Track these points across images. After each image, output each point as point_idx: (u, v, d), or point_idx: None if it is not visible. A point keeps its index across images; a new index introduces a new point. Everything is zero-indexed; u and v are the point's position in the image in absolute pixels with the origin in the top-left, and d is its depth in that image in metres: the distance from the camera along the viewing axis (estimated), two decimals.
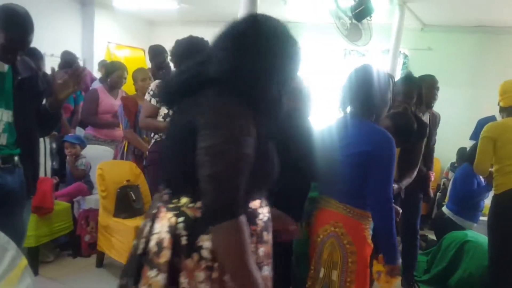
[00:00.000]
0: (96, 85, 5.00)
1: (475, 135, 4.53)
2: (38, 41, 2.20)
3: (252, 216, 1.34)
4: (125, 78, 4.54)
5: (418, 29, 6.72)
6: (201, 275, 1.25)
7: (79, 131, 4.82)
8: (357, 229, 1.99)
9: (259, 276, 1.23)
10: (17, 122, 2.19)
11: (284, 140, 1.46)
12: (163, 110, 3.09)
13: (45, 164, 3.87)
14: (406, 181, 3.06)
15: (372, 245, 2.05)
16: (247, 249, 1.20)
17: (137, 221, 3.44)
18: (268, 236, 1.44)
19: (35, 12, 2.17)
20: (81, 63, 6.18)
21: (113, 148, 4.35)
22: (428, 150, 3.57)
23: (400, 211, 2.54)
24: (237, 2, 3.69)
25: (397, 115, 2.70)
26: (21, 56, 2.19)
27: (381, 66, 5.67)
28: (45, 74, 3.33)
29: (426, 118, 3.62)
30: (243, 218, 1.20)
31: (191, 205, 1.29)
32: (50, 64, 5.04)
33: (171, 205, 1.32)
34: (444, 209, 4.52)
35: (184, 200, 1.30)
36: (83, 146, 4.13)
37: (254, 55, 1.27)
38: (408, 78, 3.40)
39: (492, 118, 4.32)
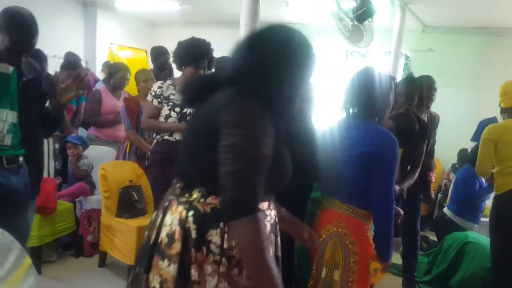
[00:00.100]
0: (100, 86, 5.02)
1: (476, 137, 4.54)
2: (41, 42, 2.21)
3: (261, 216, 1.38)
4: (128, 79, 4.56)
5: (420, 31, 6.74)
6: (208, 268, 1.30)
7: (81, 132, 4.84)
8: (359, 229, 2.01)
9: (276, 270, 1.27)
10: (21, 123, 2.21)
11: (287, 141, 1.48)
12: (165, 111, 3.11)
13: (48, 165, 3.89)
14: (408, 183, 3.07)
15: (374, 245, 2.06)
16: (265, 245, 1.24)
17: (140, 221, 3.46)
18: (275, 239, 1.48)
19: (38, 13, 2.18)
20: (83, 64, 6.20)
21: (116, 148, 4.36)
22: (428, 151, 3.58)
23: (401, 212, 2.55)
24: (239, 3, 3.70)
25: (399, 116, 2.71)
26: (25, 58, 2.21)
27: (383, 67, 5.71)
28: (48, 75, 3.35)
29: (424, 118, 3.63)
30: (261, 215, 1.25)
31: (202, 200, 1.34)
32: (53, 65, 5.08)
33: (183, 199, 1.37)
34: (445, 210, 4.54)
35: (195, 194, 1.35)
36: (85, 146, 4.16)
37: (270, 61, 1.35)
38: (410, 79, 3.41)
39: (493, 120, 4.33)
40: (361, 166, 1.98)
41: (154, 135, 3.31)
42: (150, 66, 5.63)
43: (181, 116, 3.10)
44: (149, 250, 1.39)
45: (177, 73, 3.34)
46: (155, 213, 1.48)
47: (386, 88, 2.14)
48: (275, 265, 1.28)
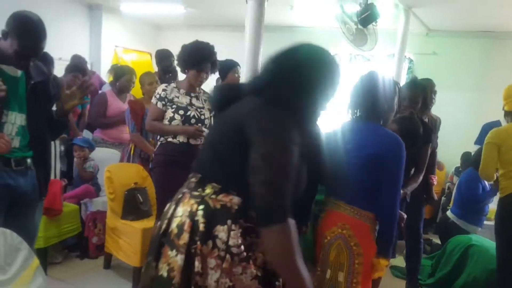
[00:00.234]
0: (106, 88, 5.05)
1: (480, 140, 4.55)
2: (47, 45, 2.23)
3: None
4: (134, 82, 4.58)
5: (423, 34, 6.75)
6: (212, 262, 1.35)
7: (86, 134, 4.86)
8: (364, 231, 2.02)
9: (307, 275, 1.32)
10: (30, 125, 2.24)
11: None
12: (169, 114, 3.13)
13: (55, 167, 3.92)
14: (412, 186, 3.08)
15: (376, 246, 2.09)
16: (296, 251, 1.29)
17: (145, 223, 3.48)
18: None
19: (44, 16, 2.19)
20: (89, 67, 6.23)
21: (121, 151, 4.39)
22: (430, 154, 3.59)
23: (405, 216, 2.56)
24: (243, 7, 3.73)
25: (403, 120, 2.73)
26: (33, 61, 2.24)
27: (386, 70, 5.72)
28: (55, 77, 3.37)
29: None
30: (291, 221, 1.29)
31: (213, 196, 1.40)
32: (58, 67, 5.10)
33: (196, 193, 1.43)
34: (449, 213, 4.54)
35: (208, 190, 1.41)
36: (91, 149, 4.19)
37: (301, 76, 1.44)
38: (413, 83, 3.43)
39: (497, 123, 4.34)
40: (367, 168, 2.00)
41: (158, 137, 3.33)
42: (155, 68, 5.66)
43: (185, 119, 3.12)
44: (158, 239, 1.45)
45: (181, 76, 3.36)
46: (168, 205, 1.54)
47: (390, 92, 2.17)
48: (306, 271, 1.33)
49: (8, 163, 2.17)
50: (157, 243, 1.45)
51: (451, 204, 4.82)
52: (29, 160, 2.26)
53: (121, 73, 4.58)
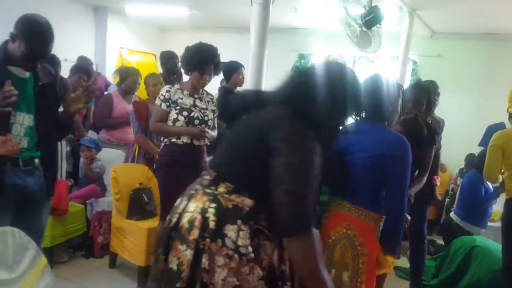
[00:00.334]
0: (113, 89, 5.08)
1: (484, 142, 4.56)
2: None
3: None
4: (139, 84, 4.60)
5: (428, 36, 6.75)
6: (220, 260, 1.37)
7: (91, 135, 4.88)
8: (368, 231, 2.04)
9: (331, 283, 1.38)
10: (38, 126, 2.27)
11: None
12: (173, 115, 3.15)
13: (61, 167, 3.95)
14: (416, 188, 3.08)
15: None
16: (320, 260, 1.35)
17: (149, 223, 3.51)
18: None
19: (49, 18, 2.21)
20: (94, 68, 6.26)
21: (126, 151, 4.42)
22: (434, 156, 3.60)
23: (409, 218, 2.58)
24: (247, 9, 3.74)
25: (407, 121, 2.75)
26: (41, 63, 2.27)
27: (391, 72, 5.73)
28: (62, 78, 3.41)
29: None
30: (315, 231, 1.34)
31: (226, 195, 1.43)
32: (64, 69, 5.13)
33: (209, 191, 1.46)
34: (452, 215, 4.54)
35: (221, 189, 1.44)
36: (98, 149, 4.23)
37: (326, 91, 1.49)
38: (418, 85, 3.45)
39: (501, 125, 4.35)
40: (372, 168, 2.02)
41: (162, 138, 3.35)
42: (159, 70, 5.69)
43: (189, 120, 3.15)
44: (168, 233, 1.48)
45: (186, 78, 3.39)
46: (179, 199, 1.56)
47: (394, 94, 2.19)
48: (328, 276, 1.38)
49: (16, 163, 2.19)
50: (166, 236, 1.48)
51: (455, 206, 4.82)
52: (37, 161, 2.29)
53: (126, 74, 4.61)
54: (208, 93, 3.37)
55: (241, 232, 1.38)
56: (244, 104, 1.66)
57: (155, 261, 1.52)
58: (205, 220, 1.40)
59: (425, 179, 3.17)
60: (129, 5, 6.97)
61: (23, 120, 2.22)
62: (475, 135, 5.13)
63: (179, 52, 3.34)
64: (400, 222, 2.04)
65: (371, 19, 4.63)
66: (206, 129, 3.17)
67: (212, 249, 1.37)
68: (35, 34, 2.12)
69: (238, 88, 4.67)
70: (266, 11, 3.48)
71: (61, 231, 3.63)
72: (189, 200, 1.50)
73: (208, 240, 1.38)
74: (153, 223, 3.49)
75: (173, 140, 3.18)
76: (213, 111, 3.32)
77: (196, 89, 3.24)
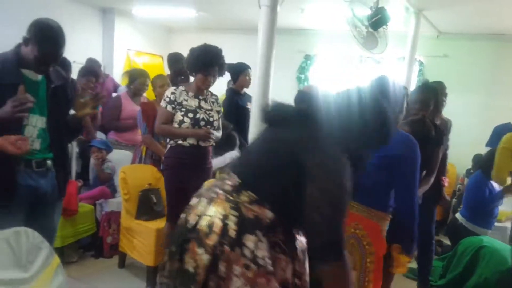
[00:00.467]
0: (122, 91, 5.12)
1: (491, 142, 4.56)
2: None
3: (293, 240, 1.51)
4: (147, 85, 4.63)
5: (434, 37, 6.73)
6: (237, 269, 1.37)
7: (100, 136, 4.92)
8: (376, 230, 2.06)
9: None
10: (50, 128, 2.31)
11: None
12: (178, 117, 3.17)
13: (71, 168, 4.00)
14: (423, 188, 3.10)
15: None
16: (351, 283, 1.39)
17: (158, 223, 3.54)
18: (305, 266, 1.57)
19: (57, 20, 2.25)
20: (102, 69, 6.30)
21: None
22: (441, 156, 3.61)
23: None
24: (255, 10, 3.75)
25: (414, 122, 2.76)
26: (53, 67, 2.31)
27: (397, 73, 5.72)
28: (73, 80, 3.45)
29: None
30: (347, 256, 1.38)
31: (247, 204, 1.42)
32: (72, 70, 5.18)
33: (231, 197, 1.45)
34: (458, 215, 4.53)
35: (243, 197, 1.44)
36: (109, 150, 4.27)
37: (362, 122, 1.50)
38: (425, 86, 3.46)
39: (508, 125, 4.35)
40: (381, 168, 2.03)
41: (168, 140, 3.36)
42: (167, 71, 5.71)
43: (195, 121, 3.16)
44: (185, 233, 1.47)
45: (193, 79, 3.41)
46: (197, 199, 1.54)
47: (399, 94, 2.21)
48: None
49: (29, 164, 2.24)
50: (183, 236, 1.47)
51: (461, 206, 4.82)
52: (49, 162, 2.33)
53: (135, 76, 4.65)
54: (212, 94, 3.38)
55: (260, 243, 1.39)
56: (275, 115, 1.62)
57: (169, 259, 1.51)
58: (225, 226, 1.40)
59: (432, 179, 3.18)
60: (136, 7, 7.01)
61: (36, 122, 2.25)
62: (482, 135, 5.13)
63: (186, 53, 3.36)
64: (412, 222, 2.07)
65: (377, 20, 4.64)
66: (212, 130, 3.19)
67: (230, 257, 1.37)
68: (47, 38, 2.16)
69: (245, 89, 4.70)
70: (274, 13, 3.49)
71: (71, 232, 3.68)
72: (208, 203, 1.48)
73: (226, 247, 1.38)
74: (162, 223, 3.52)
75: (180, 142, 3.19)
76: (218, 112, 3.34)
77: (200, 91, 3.26)
